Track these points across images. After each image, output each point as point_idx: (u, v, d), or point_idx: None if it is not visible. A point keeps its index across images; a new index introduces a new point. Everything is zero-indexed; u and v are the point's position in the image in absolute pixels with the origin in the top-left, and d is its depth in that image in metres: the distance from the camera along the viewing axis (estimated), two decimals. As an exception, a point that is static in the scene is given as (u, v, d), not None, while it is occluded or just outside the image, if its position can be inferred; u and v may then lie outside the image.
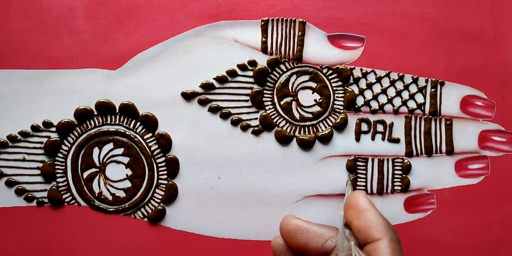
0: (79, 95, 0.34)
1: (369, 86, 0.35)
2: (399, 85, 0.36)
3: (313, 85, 0.35)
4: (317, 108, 0.36)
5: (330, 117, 0.36)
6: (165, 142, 0.35)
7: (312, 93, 0.36)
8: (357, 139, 0.35)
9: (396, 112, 0.36)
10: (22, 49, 0.34)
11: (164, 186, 0.35)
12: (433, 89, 0.36)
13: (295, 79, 0.35)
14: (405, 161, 0.36)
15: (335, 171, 0.35)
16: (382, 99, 0.36)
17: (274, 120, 0.35)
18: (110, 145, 0.35)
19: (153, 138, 0.35)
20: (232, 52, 0.35)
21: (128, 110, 0.35)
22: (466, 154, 0.36)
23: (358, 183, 0.35)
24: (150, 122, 0.35)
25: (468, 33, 0.36)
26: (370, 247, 0.22)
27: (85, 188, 0.35)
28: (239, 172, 0.35)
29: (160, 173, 0.35)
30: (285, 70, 0.35)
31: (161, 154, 0.35)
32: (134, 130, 0.35)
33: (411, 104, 0.36)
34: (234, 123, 0.35)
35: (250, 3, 0.35)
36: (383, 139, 0.36)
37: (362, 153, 0.36)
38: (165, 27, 0.35)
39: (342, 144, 0.35)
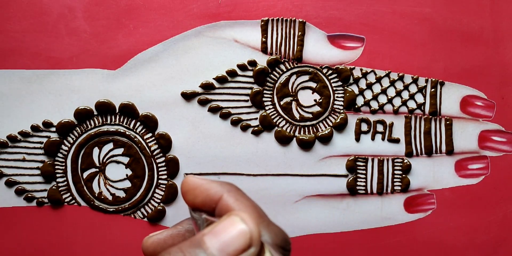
0: (79, 95, 0.34)
1: (369, 86, 0.35)
2: (399, 85, 0.36)
3: (313, 85, 0.35)
4: (317, 108, 0.36)
5: (330, 117, 0.36)
6: (165, 142, 0.35)
7: (312, 93, 0.36)
8: (357, 139, 0.35)
9: (396, 112, 0.36)
10: (22, 49, 0.34)
11: (164, 186, 0.35)
12: (433, 89, 0.36)
13: (295, 79, 0.35)
14: (405, 161, 0.36)
15: (335, 171, 0.35)
16: (382, 99, 0.36)
17: (274, 120, 0.35)
18: (110, 145, 0.35)
19: (153, 138, 0.35)
20: (232, 52, 0.35)
21: (128, 110, 0.35)
22: (466, 154, 0.36)
23: (358, 183, 0.35)
24: (150, 122, 0.35)
25: (468, 33, 0.36)
26: (217, 209, 0.23)
27: (85, 188, 0.35)
28: (239, 172, 0.35)
29: (160, 173, 0.35)
30: (285, 70, 0.35)
31: (161, 154, 0.35)
32: (134, 130, 0.35)
33: (411, 104, 0.36)
34: (234, 123, 0.35)
35: (250, 3, 0.35)
36: (383, 139, 0.36)
37: (362, 153, 0.36)
38: (165, 27, 0.35)
39: (342, 144, 0.35)
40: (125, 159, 0.35)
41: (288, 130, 0.35)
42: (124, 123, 0.35)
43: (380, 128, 0.36)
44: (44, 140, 0.34)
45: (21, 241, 0.34)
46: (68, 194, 0.35)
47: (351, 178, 0.35)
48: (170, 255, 0.20)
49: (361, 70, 0.35)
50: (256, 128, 0.35)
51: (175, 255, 0.20)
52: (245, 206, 0.22)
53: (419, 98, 0.36)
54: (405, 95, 0.36)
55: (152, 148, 0.35)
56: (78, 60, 0.34)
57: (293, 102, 0.35)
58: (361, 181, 0.35)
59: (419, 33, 0.35)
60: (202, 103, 0.35)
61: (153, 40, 0.34)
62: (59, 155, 0.35)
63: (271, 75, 0.35)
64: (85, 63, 0.34)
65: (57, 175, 0.35)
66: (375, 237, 0.35)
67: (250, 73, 0.35)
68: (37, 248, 0.34)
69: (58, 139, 0.34)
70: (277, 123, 0.35)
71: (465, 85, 0.36)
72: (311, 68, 0.35)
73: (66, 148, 0.35)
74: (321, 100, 0.35)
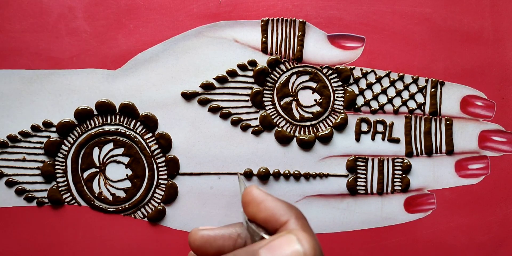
0: (79, 95, 0.34)
1: (369, 86, 0.35)
2: (399, 85, 0.36)
3: (313, 85, 0.35)
4: (317, 108, 0.36)
5: (330, 117, 0.36)
6: (165, 142, 0.35)
7: (312, 93, 0.36)
8: (357, 139, 0.35)
9: (396, 112, 0.36)
10: (22, 49, 0.34)
11: (164, 186, 0.35)
12: (433, 89, 0.36)
13: (295, 79, 0.35)
14: (405, 161, 0.36)
15: (335, 171, 0.35)
16: (382, 99, 0.36)
17: (274, 120, 0.35)
18: (110, 145, 0.35)
19: (153, 138, 0.35)
20: (232, 52, 0.35)
21: (128, 110, 0.35)
22: (466, 154, 0.36)
23: (358, 183, 0.35)
24: (150, 122, 0.35)
25: (468, 33, 0.36)
26: (279, 231, 0.23)
27: (85, 188, 0.35)
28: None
29: (160, 173, 0.35)
30: (285, 70, 0.35)
31: (161, 154, 0.35)
32: (134, 130, 0.35)
33: (411, 104, 0.36)
34: (234, 123, 0.35)
35: (250, 3, 0.35)
36: (383, 139, 0.36)
37: (362, 153, 0.36)
38: (165, 27, 0.35)
39: (342, 144, 0.35)
40: (125, 159, 0.35)
41: (288, 130, 0.35)
42: (124, 123, 0.35)
43: (380, 128, 0.36)
44: (44, 140, 0.34)
45: (21, 241, 0.34)
46: (68, 194, 0.35)
47: (351, 178, 0.35)
48: None
49: (361, 70, 0.35)
50: (256, 128, 0.35)
51: None
52: (309, 236, 0.21)
53: (419, 98, 0.36)
54: (405, 95, 0.36)
55: (152, 148, 0.35)
56: (78, 60, 0.34)
57: (293, 102, 0.35)
58: (361, 181, 0.35)
59: (419, 33, 0.35)
60: (202, 103, 0.35)
61: (153, 40, 0.34)
62: (59, 155, 0.35)
63: (271, 75, 0.35)
64: (85, 63, 0.34)
65: (57, 175, 0.35)
66: (375, 237, 0.35)
67: (250, 73, 0.35)
68: (37, 248, 0.34)
69: (58, 139, 0.34)
70: (277, 123, 0.35)
71: (465, 85, 0.36)
72: (311, 68, 0.35)
73: (66, 148, 0.35)
74: (321, 100, 0.35)
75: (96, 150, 0.35)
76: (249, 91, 0.35)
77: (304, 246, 0.20)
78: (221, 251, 0.25)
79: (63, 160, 0.35)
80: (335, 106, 0.36)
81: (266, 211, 0.23)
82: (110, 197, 0.35)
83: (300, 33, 0.35)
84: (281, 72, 0.35)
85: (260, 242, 0.21)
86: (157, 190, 0.35)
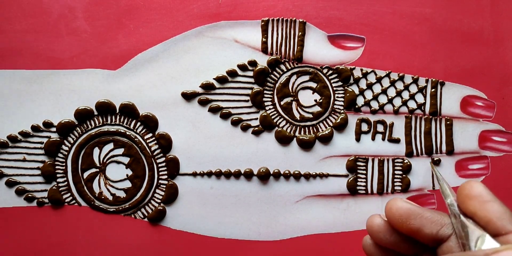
0: (79, 95, 0.34)
1: (369, 86, 0.36)
2: (399, 85, 0.36)
3: (313, 85, 0.35)
4: (317, 108, 0.36)
5: (330, 117, 0.36)
6: (165, 142, 0.35)
7: (312, 93, 0.36)
8: (357, 139, 0.35)
9: (396, 112, 0.36)
10: (22, 49, 0.34)
11: (165, 186, 0.35)
12: (433, 89, 0.36)
13: (295, 79, 0.35)
14: (405, 161, 0.36)
15: (336, 171, 0.35)
16: (382, 99, 0.36)
17: (274, 120, 0.35)
18: (110, 145, 0.35)
19: (153, 138, 0.35)
20: (232, 52, 0.35)
21: (129, 110, 0.35)
22: (467, 154, 0.36)
23: (358, 183, 0.35)
24: (150, 122, 0.35)
25: (468, 33, 0.36)
26: (504, 239, 0.21)
27: (85, 188, 0.35)
28: (239, 172, 0.35)
29: (160, 173, 0.35)
30: (285, 70, 0.35)
31: (162, 154, 0.35)
32: (135, 130, 0.35)
33: (411, 104, 0.36)
34: (234, 123, 0.35)
35: (250, 3, 0.35)
36: (383, 139, 0.36)
37: (362, 153, 0.36)
38: (165, 27, 0.35)
39: (342, 144, 0.35)
40: (126, 159, 0.35)
41: (288, 130, 0.35)
42: (125, 123, 0.35)
43: (380, 128, 0.36)
44: (45, 140, 0.34)
45: (21, 241, 0.34)
46: (69, 194, 0.35)
47: (351, 178, 0.35)
48: None
49: (362, 70, 0.35)
50: (256, 128, 0.35)
51: None
52: None
53: (420, 98, 0.36)
54: (406, 95, 0.36)
55: (153, 148, 0.35)
56: (78, 60, 0.34)
57: (294, 102, 0.35)
58: (361, 181, 0.35)
59: (419, 33, 0.35)
60: (203, 103, 0.35)
61: (154, 40, 0.34)
62: (60, 155, 0.35)
63: (272, 75, 0.35)
64: (85, 63, 0.34)
65: (58, 175, 0.35)
66: (375, 237, 0.35)
67: (251, 73, 0.35)
68: (37, 248, 0.34)
69: (58, 139, 0.34)
70: (277, 123, 0.35)
71: (465, 85, 0.36)
72: (312, 68, 0.35)
73: (67, 148, 0.35)
74: (321, 100, 0.35)
75: (96, 150, 0.35)
76: (249, 91, 0.35)
77: None
78: (421, 230, 0.24)
79: (63, 160, 0.35)
80: (335, 106, 0.36)
81: (493, 212, 0.22)
82: (110, 197, 0.35)
83: (300, 33, 0.35)
84: (281, 72, 0.35)
85: (486, 250, 0.19)
86: (157, 190, 0.35)
